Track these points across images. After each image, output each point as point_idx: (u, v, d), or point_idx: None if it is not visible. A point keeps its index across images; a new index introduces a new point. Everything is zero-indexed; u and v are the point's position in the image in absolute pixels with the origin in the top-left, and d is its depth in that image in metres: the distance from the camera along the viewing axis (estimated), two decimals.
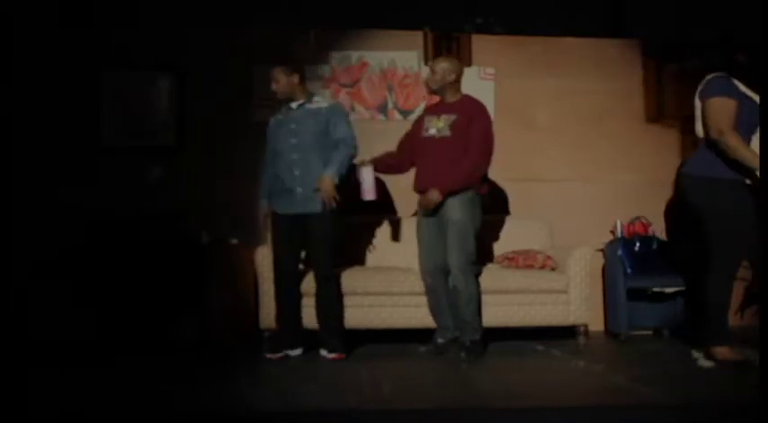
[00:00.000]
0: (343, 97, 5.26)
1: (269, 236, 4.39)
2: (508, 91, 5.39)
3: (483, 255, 4.96)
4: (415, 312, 4.41)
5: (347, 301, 4.33)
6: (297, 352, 4.15)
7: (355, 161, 4.17)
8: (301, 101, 4.18)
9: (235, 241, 4.90)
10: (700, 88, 3.84)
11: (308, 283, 4.24)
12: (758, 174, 3.57)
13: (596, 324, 4.90)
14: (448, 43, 5.34)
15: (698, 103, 3.83)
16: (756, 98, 3.72)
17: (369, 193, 4.11)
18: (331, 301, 4.17)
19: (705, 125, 3.77)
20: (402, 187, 4.63)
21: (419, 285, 4.32)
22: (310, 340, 4.19)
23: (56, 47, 5.04)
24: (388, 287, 4.39)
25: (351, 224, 4.92)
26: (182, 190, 4.96)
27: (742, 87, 3.75)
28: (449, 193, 4.03)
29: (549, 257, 4.66)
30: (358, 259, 4.88)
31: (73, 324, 4.49)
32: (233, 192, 4.97)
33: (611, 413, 2.86)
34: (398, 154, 4.39)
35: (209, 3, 5.18)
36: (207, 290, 4.73)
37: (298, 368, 3.90)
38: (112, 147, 5.08)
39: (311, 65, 5.21)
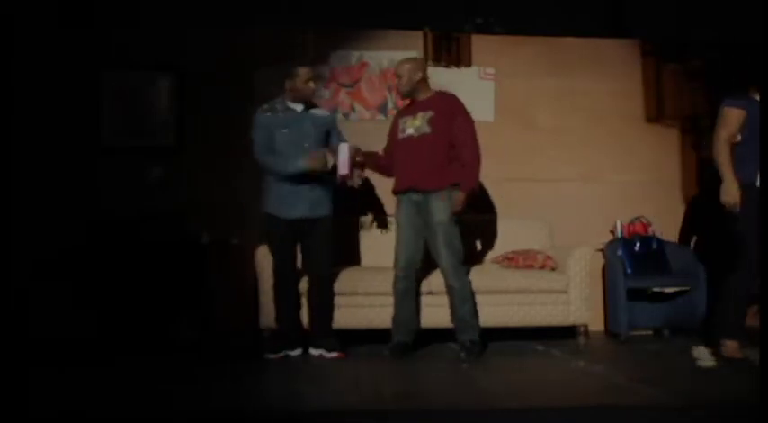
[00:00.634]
0: (343, 97, 5.27)
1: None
2: (508, 91, 5.39)
3: (483, 255, 4.99)
4: None
5: (347, 301, 4.35)
6: (297, 352, 4.16)
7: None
8: (304, 105, 4.21)
9: (235, 241, 4.90)
10: None
11: (302, 284, 4.28)
12: (725, 185, 3.83)
13: (596, 324, 4.90)
14: (448, 43, 5.34)
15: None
16: None
17: (344, 166, 4.04)
18: (328, 300, 4.20)
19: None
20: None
21: (422, 285, 4.33)
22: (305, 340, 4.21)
23: (56, 47, 5.03)
24: (388, 287, 4.38)
25: (351, 224, 4.96)
26: (182, 190, 4.96)
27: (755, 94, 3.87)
28: (433, 191, 4.03)
29: (549, 257, 4.66)
30: (358, 259, 4.88)
31: (73, 324, 4.49)
32: (233, 192, 4.97)
33: (612, 413, 2.86)
34: (386, 158, 4.37)
35: (209, 3, 5.18)
36: (207, 290, 4.73)
37: (298, 368, 3.90)
38: (112, 147, 5.08)
39: (311, 65, 5.22)
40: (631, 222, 5.11)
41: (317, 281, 4.19)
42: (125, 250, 4.64)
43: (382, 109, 5.29)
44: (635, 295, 4.82)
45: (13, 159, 4.78)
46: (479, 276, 4.47)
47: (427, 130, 4.08)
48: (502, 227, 5.05)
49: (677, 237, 5.28)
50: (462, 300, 4.09)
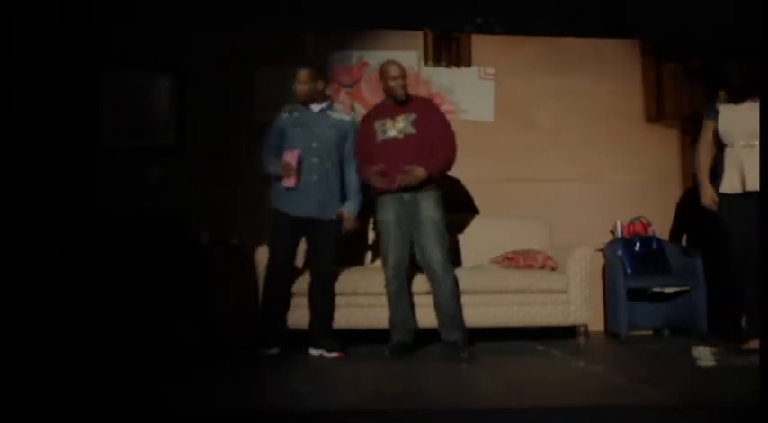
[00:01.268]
0: (344, 97, 5.27)
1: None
2: (508, 91, 5.39)
3: (483, 255, 4.98)
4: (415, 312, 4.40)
5: (347, 301, 4.35)
6: (273, 351, 4.14)
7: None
8: (322, 106, 4.22)
9: (235, 241, 4.90)
10: None
11: (299, 284, 4.28)
12: (700, 190, 4.23)
13: (596, 324, 4.90)
14: (448, 43, 5.34)
15: None
16: (744, 106, 4.07)
17: (288, 180, 4.08)
18: (328, 300, 4.22)
19: None
20: None
21: (419, 285, 4.32)
22: (294, 340, 4.22)
23: (56, 47, 5.03)
24: None
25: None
26: (182, 190, 4.96)
27: (722, 104, 4.15)
28: (427, 180, 4.05)
29: (549, 257, 4.66)
30: (358, 259, 4.88)
31: (73, 324, 4.49)
32: (233, 192, 4.97)
33: (611, 413, 2.86)
34: (379, 164, 4.24)
35: (209, 3, 5.18)
36: (207, 290, 4.73)
37: (298, 368, 3.89)
38: (112, 147, 5.08)
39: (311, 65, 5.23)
40: (631, 222, 5.11)
41: (318, 278, 4.20)
42: (125, 250, 4.64)
43: None
44: (635, 295, 4.82)
45: (14, 159, 4.78)
46: (479, 276, 4.47)
47: (412, 131, 4.12)
48: (502, 227, 5.04)
49: (677, 237, 5.28)
50: (453, 296, 4.10)
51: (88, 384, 3.44)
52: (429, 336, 4.32)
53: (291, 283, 4.28)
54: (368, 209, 4.35)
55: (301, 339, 4.26)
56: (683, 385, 3.29)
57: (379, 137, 4.18)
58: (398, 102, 4.20)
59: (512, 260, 4.68)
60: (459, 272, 4.25)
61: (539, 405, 2.98)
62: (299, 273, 4.37)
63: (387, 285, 4.21)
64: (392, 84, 4.16)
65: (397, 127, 4.14)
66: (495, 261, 4.79)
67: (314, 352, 4.16)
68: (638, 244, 4.90)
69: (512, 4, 5.44)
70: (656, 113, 5.47)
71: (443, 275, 4.08)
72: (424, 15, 5.32)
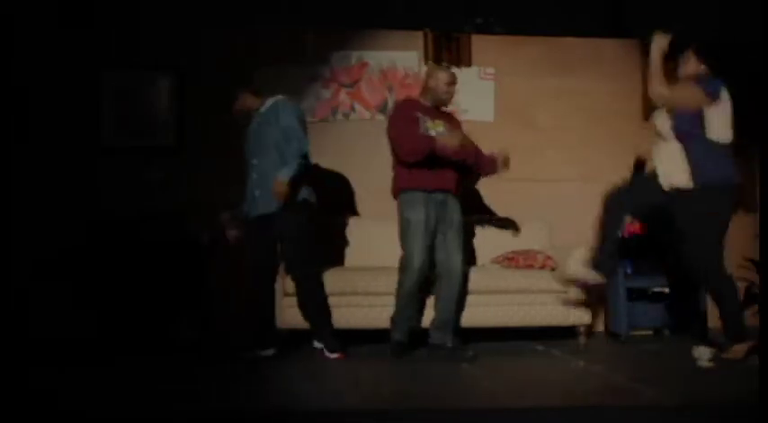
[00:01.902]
0: (343, 97, 5.27)
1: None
2: (508, 91, 5.39)
3: (483, 255, 4.98)
4: None
5: (347, 301, 4.34)
6: (268, 352, 4.13)
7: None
8: (257, 107, 4.23)
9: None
10: None
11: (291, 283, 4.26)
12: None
13: (596, 324, 4.90)
14: (448, 43, 5.34)
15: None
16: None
17: None
18: (313, 301, 4.15)
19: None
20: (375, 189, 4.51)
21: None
22: (294, 339, 4.23)
23: (56, 47, 5.03)
24: (388, 287, 4.37)
25: (352, 224, 4.96)
26: (182, 190, 4.96)
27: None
28: (455, 192, 4.19)
29: (549, 257, 4.66)
30: (358, 259, 4.88)
31: (73, 324, 4.49)
32: (233, 192, 4.96)
33: (611, 413, 2.86)
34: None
35: (209, 3, 5.18)
36: (207, 290, 4.73)
37: (298, 368, 3.89)
38: (112, 147, 5.08)
39: (311, 65, 5.23)
40: (631, 222, 5.10)
41: (296, 284, 4.14)
42: (125, 250, 4.64)
43: (382, 109, 5.28)
44: (635, 295, 4.82)
45: (14, 159, 4.79)
46: (479, 276, 4.47)
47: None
48: (502, 227, 5.04)
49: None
50: (459, 301, 4.19)
51: (88, 384, 3.45)
52: (427, 336, 4.32)
53: (273, 281, 4.18)
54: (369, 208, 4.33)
55: (302, 339, 4.26)
56: (683, 385, 3.29)
57: (429, 132, 4.14)
58: (438, 107, 4.24)
59: (512, 260, 4.68)
60: None
61: (539, 405, 2.98)
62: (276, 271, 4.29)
63: (401, 285, 4.12)
64: (447, 89, 4.19)
65: (437, 129, 4.14)
66: (496, 261, 4.79)
67: (317, 344, 4.18)
68: (638, 244, 4.89)
69: (512, 4, 5.44)
70: None
71: (460, 282, 4.15)
72: (424, 15, 5.32)
